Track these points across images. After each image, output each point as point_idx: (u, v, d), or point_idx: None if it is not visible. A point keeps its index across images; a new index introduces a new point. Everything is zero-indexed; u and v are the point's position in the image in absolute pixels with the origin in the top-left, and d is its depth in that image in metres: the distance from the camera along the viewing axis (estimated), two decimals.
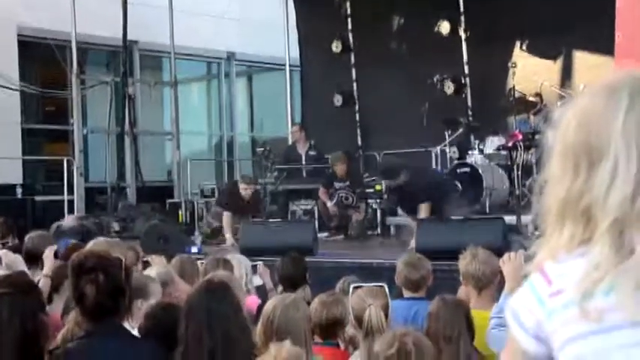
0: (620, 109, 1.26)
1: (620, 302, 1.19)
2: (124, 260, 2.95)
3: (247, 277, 4.77)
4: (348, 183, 10.27)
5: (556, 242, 1.29)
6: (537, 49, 11.24)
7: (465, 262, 4.04)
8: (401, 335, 2.75)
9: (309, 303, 3.72)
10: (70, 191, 11.87)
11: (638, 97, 1.27)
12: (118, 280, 2.92)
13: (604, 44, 8.42)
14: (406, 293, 4.41)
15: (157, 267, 4.35)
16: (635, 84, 1.29)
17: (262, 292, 4.96)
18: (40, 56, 14.21)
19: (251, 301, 4.42)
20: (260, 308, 3.72)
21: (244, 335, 2.95)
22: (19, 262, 4.82)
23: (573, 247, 1.27)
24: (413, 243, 7.38)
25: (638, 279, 1.19)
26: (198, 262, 5.04)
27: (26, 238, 5.80)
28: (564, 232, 1.28)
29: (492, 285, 4.01)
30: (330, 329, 3.63)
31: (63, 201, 11.83)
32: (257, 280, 5.14)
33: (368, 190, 10.31)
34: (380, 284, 3.53)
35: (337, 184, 10.32)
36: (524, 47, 11.39)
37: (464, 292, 4.12)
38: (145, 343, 3.08)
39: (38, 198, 12.22)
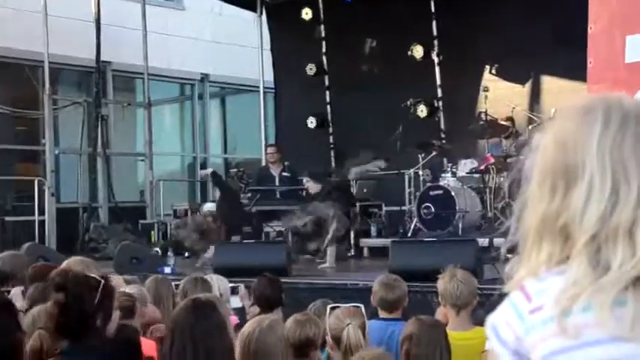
0: (594, 130, 1.30)
1: (599, 318, 1.22)
2: (102, 282, 2.92)
3: (224, 296, 4.75)
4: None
5: (535, 260, 1.32)
6: (507, 73, 11.41)
7: (443, 282, 4.07)
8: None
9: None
10: (42, 212, 11.76)
11: (611, 118, 1.30)
12: (82, 302, 2.87)
13: (572, 69, 8.59)
14: (382, 314, 4.42)
15: (130, 287, 4.32)
16: (608, 105, 1.32)
17: (242, 315, 4.94)
18: (12, 76, 14.11)
19: (231, 321, 4.40)
20: (239, 328, 3.71)
21: (228, 355, 2.94)
22: None
23: (552, 265, 1.30)
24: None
25: (616, 295, 1.22)
26: (173, 282, 5.02)
27: None
28: (543, 251, 1.31)
29: (470, 306, 4.04)
30: (303, 349, 3.63)
31: (34, 221, 11.72)
32: (236, 302, 5.12)
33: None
34: (357, 305, 3.55)
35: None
36: (493, 71, 11.54)
37: (442, 313, 4.14)
38: None
39: (8, 218, 12.08)
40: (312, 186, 10.21)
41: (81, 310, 2.86)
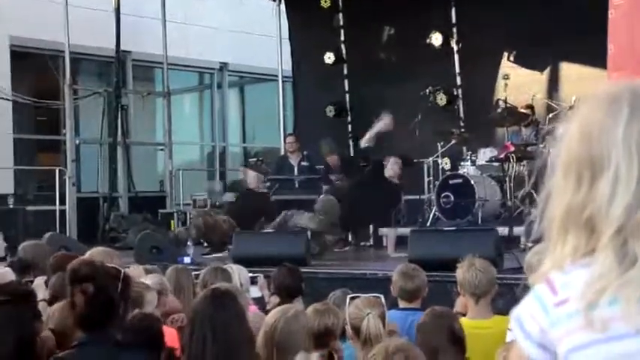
0: (620, 120, 1.28)
1: (625, 312, 1.20)
2: (122, 271, 2.95)
3: (244, 287, 4.77)
4: (343, 175, 10.26)
5: (560, 253, 1.31)
6: (526, 61, 11.31)
7: (462, 271, 4.06)
8: (391, 351, 2.75)
9: None
10: (62, 201, 11.84)
11: (637, 107, 1.28)
12: (109, 292, 2.90)
13: (591, 56, 8.51)
14: (402, 304, 4.42)
15: (151, 276, 4.34)
16: (634, 94, 1.30)
17: (261, 304, 4.96)
18: (33, 66, 14.20)
19: (250, 311, 4.42)
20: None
21: (249, 344, 2.95)
22: (8, 275, 4.79)
23: (578, 258, 1.29)
24: None
25: None
26: (192, 272, 5.05)
27: (19, 247, 5.79)
28: (568, 243, 1.30)
29: (489, 295, 4.02)
30: (322, 339, 3.64)
31: (55, 211, 11.81)
32: (255, 292, 5.14)
33: None
34: (377, 295, 3.54)
35: (332, 177, 10.34)
36: (512, 58, 11.46)
37: (461, 302, 4.13)
38: (135, 354, 3.06)
39: (30, 208, 12.18)
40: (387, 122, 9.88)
41: (107, 299, 2.89)
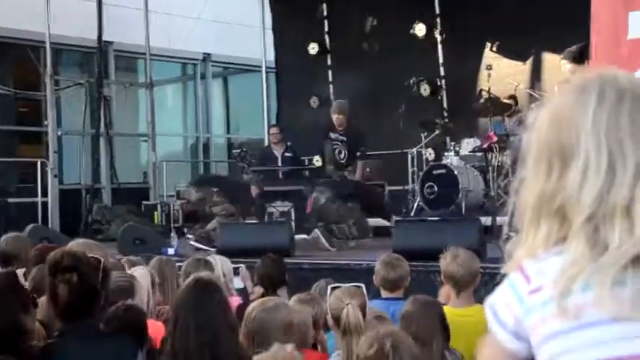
0: (589, 107, 1.28)
1: (598, 298, 1.21)
2: (102, 261, 2.94)
3: (227, 277, 4.76)
4: (344, 138, 10.23)
5: (532, 241, 1.31)
6: (509, 51, 11.33)
7: (445, 262, 4.08)
8: (381, 336, 2.77)
9: None
10: (44, 193, 11.77)
11: (606, 95, 1.28)
12: (92, 281, 2.90)
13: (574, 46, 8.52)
14: (384, 293, 4.43)
15: (138, 268, 4.33)
16: (603, 82, 1.30)
17: (244, 295, 4.95)
18: (14, 57, 14.08)
19: (233, 302, 4.42)
20: (241, 309, 3.72)
21: (232, 334, 2.95)
22: None
23: (550, 246, 1.29)
24: None
25: (615, 274, 1.21)
26: (176, 264, 5.03)
27: (1, 239, 5.74)
28: (540, 231, 1.30)
29: (472, 285, 4.04)
30: None
31: (37, 203, 11.74)
32: (238, 283, 5.13)
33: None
34: (358, 284, 3.55)
35: (332, 135, 10.31)
36: (494, 49, 11.47)
37: (444, 292, 4.14)
38: (118, 343, 3.05)
39: (11, 200, 12.10)
40: None
41: (91, 289, 2.88)
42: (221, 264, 4.98)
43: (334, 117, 10.30)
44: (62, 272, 2.87)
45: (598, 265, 1.22)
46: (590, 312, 1.22)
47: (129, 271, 4.20)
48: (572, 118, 1.29)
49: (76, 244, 4.21)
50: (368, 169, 11.22)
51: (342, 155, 10.33)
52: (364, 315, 3.27)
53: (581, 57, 7.88)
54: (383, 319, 3.46)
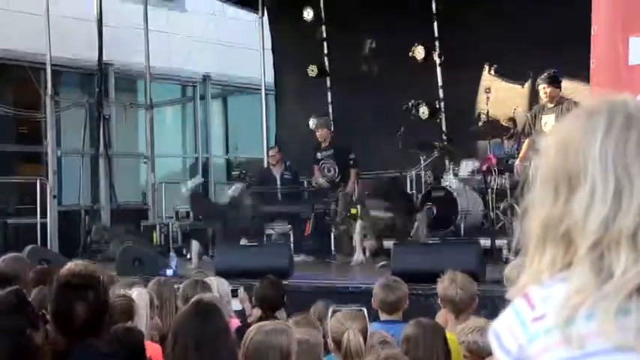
0: (596, 133, 1.28)
1: (602, 327, 1.20)
2: (104, 279, 2.95)
3: (224, 299, 4.74)
4: (331, 152, 10.23)
5: (537, 266, 1.31)
6: (508, 74, 11.37)
7: (443, 286, 4.07)
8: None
9: None
10: (44, 214, 11.75)
11: (614, 122, 1.28)
12: (105, 298, 2.91)
13: (573, 70, 8.59)
14: (383, 316, 4.41)
15: (137, 289, 4.31)
16: (612, 108, 1.30)
17: (242, 317, 4.94)
18: (14, 78, 14.12)
19: (232, 324, 4.40)
20: (239, 331, 3.71)
21: (231, 357, 2.94)
22: None
23: (555, 272, 1.28)
24: None
25: (619, 303, 1.20)
26: (175, 285, 5.01)
27: (0, 260, 5.72)
28: (545, 256, 1.30)
29: (470, 309, 4.03)
30: None
31: (36, 224, 11.72)
32: (237, 305, 5.12)
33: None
34: (359, 308, 3.54)
35: (319, 155, 10.32)
36: (493, 72, 11.52)
37: (442, 315, 4.13)
38: None
39: (10, 221, 12.08)
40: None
41: (104, 306, 2.88)
42: (218, 285, 4.96)
43: (317, 134, 10.34)
44: (77, 289, 2.86)
45: (602, 293, 1.21)
46: (594, 341, 1.21)
47: (127, 293, 4.19)
48: (579, 143, 1.29)
49: (74, 265, 4.20)
50: (367, 192, 11.23)
51: (332, 172, 10.32)
52: (365, 339, 3.26)
53: (556, 80, 8.14)
54: (387, 343, 3.45)
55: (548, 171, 1.31)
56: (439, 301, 4.17)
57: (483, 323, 3.06)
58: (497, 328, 1.33)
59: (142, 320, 3.79)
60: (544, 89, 8.19)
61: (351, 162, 10.39)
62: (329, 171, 10.23)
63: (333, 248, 10.38)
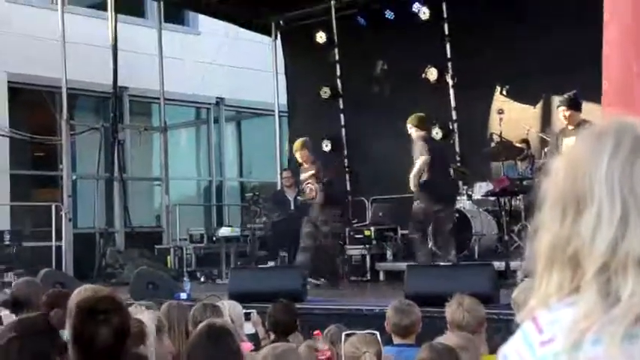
0: (604, 155, 1.28)
1: (608, 353, 1.19)
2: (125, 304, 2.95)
3: (236, 323, 4.73)
4: (312, 170, 10.10)
5: (545, 290, 1.30)
6: (521, 96, 11.37)
7: (450, 310, 4.04)
8: None
9: None
10: (59, 237, 11.80)
11: (622, 144, 1.28)
12: (128, 322, 2.90)
13: (585, 90, 8.55)
14: (396, 339, 4.39)
15: (148, 313, 4.31)
16: (620, 130, 1.30)
17: (256, 341, 4.92)
18: (30, 102, 14.26)
19: (244, 348, 4.39)
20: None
21: None
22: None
23: (563, 295, 1.28)
24: None
25: (625, 328, 1.19)
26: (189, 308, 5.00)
27: (13, 284, 5.76)
28: (553, 280, 1.29)
29: (478, 333, 4.00)
30: None
31: (51, 247, 11.77)
32: (250, 328, 5.10)
33: (357, 236, 10.36)
34: (372, 332, 3.52)
35: (302, 176, 10.20)
36: (505, 92, 11.52)
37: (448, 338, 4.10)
38: None
39: (26, 244, 12.14)
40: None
41: (127, 330, 2.87)
42: (229, 309, 4.94)
43: (297, 155, 10.16)
44: (102, 314, 2.85)
45: (609, 318, 1.20)
46: None
47: (136, 316, 4.18)
48: (586, 166, 1.28)
49: (83, 290, 4.21)
50: (380, 213, 11.22)
51: (315, 193, 10.09)
52: None
53: (576, 103, 8.01)
54: None
55: (556, 192, 1.31)
56: (447, 326, 4.15)
57: None
58: (506, 352, 1.33)
59: (152, 344, 3.78)
60: (563, 112, 8.04)
61: (322, 184, 10.17)
62: (311, 191, 10.08)
63: (345, 270, 10.37)
